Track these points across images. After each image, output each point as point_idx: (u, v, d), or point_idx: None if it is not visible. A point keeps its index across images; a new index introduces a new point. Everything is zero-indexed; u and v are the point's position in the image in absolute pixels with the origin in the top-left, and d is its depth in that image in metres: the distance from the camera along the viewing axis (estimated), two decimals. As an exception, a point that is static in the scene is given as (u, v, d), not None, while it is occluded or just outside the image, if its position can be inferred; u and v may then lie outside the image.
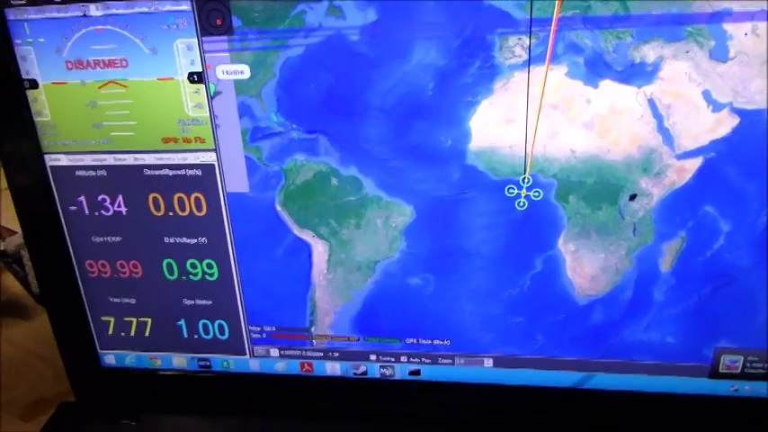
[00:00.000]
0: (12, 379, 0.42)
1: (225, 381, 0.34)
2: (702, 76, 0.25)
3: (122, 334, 0.34)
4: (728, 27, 0.24)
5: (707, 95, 0.25)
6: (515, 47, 0.25)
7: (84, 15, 0.27)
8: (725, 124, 0.25)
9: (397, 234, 0.29)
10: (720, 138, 0.25)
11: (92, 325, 0.34)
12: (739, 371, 0.29)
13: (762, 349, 0.29)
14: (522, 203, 0.27)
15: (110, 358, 0.35)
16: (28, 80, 0.29)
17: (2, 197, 0.49)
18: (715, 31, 0.24)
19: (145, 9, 0.27)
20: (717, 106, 0.25)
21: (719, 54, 0.24)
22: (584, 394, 0.31)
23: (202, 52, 0.27)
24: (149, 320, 0.33)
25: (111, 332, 0.34)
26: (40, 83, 0.29)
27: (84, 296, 0.33)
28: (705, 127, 0.25)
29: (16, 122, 0.29)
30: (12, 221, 0.52)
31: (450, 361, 0.31)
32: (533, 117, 0.26)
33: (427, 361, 0.32)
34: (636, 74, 0.25)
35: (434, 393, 0.32)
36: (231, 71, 0.27)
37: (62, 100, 0.29)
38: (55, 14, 0.27)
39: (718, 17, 0.24)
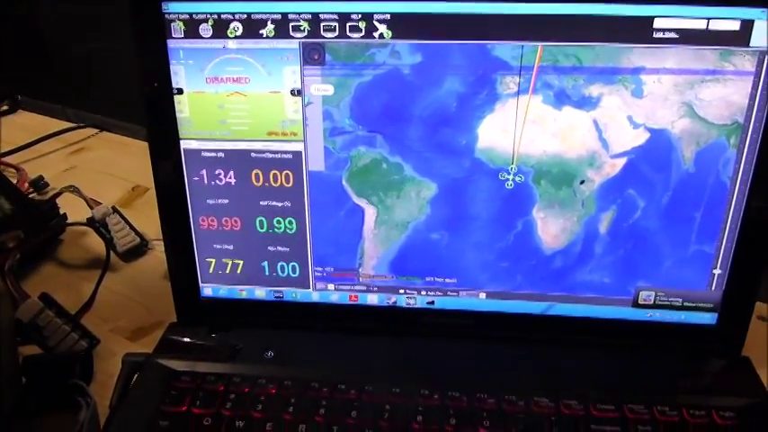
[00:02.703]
0: (114, 314, 0.55)
1: (291, 307, 0.47)
2: (627, 106, 0.39)
3: (219, 272, 0.47)
4: (643, 77, 0.38)
5: (630, 119, 0.39)
6: (510, 83, 0.39)
7: (224, 48, 0.40)
8: (641, 137, 0.40)
9: (424, 203, 0.43)
10: (638, 146, 0.40)
11: (197, 264, 0.47)
12: (652, 302, 0.44)
13: (667, 288, 0.43)
14: (509, 184, 0.41)
15: (207, 290, 0.48)
16: (176, 88, 0.42)
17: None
18: (635, 79, 0.38)
19: (266, 45, 0.40)
20: (635, 126, 0.39)
21: (638, 93, 0.39)
22: (548, 318, 0.45)
23: (302, 76, 0.41)
24: (241, 262, 0.46)
25: (211, 270, 0.47)
26: (185, 91, 0.42)
27: (194, 242, 0.46)
28: (628, 138, 0.40)
29: (164, 117, 0.43)
30: (97, 195, 0.65)
31: (455, 294, 0.45)
32: (519, 128, 0.40)
33: (439, 294, 0.45)
34: (585, 103, 0.39)
35: (444, 317, 0.46)
36: (321, 89, 0.41)
37: (199, 103, 0.42)
38: (202, 45, 0.41)
39: (637, 71, 0.38)
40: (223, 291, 0.47)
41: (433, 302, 0.46)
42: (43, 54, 1.06)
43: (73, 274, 0.61)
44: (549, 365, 0.44)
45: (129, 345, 0.52)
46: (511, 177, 0.41)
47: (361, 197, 0.43)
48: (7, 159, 0.80)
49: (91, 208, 0.63)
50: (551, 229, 0.42)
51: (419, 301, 0.46)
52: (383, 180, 0.42)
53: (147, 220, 0.66)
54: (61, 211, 0.64)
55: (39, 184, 0.76)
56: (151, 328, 0.53)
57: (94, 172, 0.79)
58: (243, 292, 0.47)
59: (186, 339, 0.47)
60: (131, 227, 0.63)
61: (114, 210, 0.64)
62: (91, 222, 0.63)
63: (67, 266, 0.62)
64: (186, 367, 0.44)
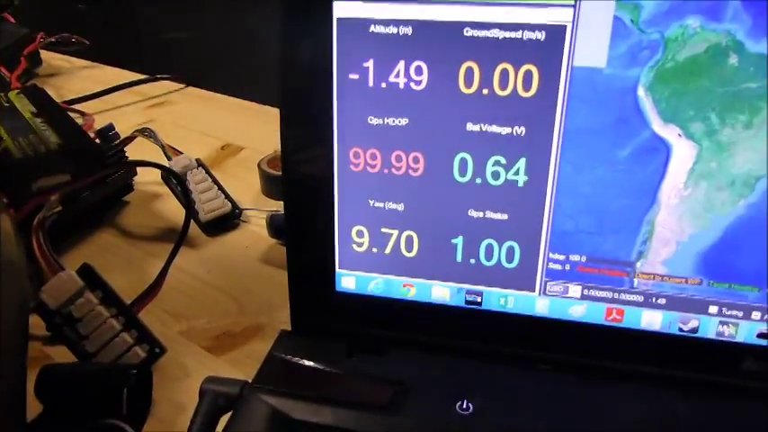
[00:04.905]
0: (189, 309, 0.36)
1: (494, 321, 0.27)
2: None
3: (374, 249, 0.27)
4: None
5: None
6: None
7: None
8: None
9: (802, 140, 0.22)
10: None
11: (336, 235, 0.27)
12: None
13: None
14: None
15: (348, 281, 0.28)
16: None
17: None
18: None
19: None
20: None
21: None
22: None
23: None
24: (415, 235, 0.26)
25: (359, 246, 0.27)
26: None
27: (336, 195, 0.27)
28: None
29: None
30: (177, 142, 0.47)
31: (828, 324, 0.24)
32: None
33: (791, 322, 0.24)
34: None
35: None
36: None
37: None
38: None
39: None
40: (376, 284, 0.28)
41: (771, 336, 0.24)
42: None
43: (136, 247, 0.43)
44: None
45: (209, 359, 0.33)
46: None
47: (671, 123, 0.22)
48: (76, 107, 0.64)
49: (169, 158, 0.45)
50: None
51: (744, 330, 0.25)
52: (724, 90, 0.22)
53: (240, 185, 0.48)
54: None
55: (107, 134, 0.58)
56: (244, 336, 0.34)
57: (177, 127, 0.62)
58: (410, 288, 0.27)
59: (308, 363, 0.27)
60: (220, 188, 0.45)
61: (199, 164, 0.45)
62: (166, 176, 0.44)
63: (131, 237, 0.44)
64: (313, 415, 0.24)
